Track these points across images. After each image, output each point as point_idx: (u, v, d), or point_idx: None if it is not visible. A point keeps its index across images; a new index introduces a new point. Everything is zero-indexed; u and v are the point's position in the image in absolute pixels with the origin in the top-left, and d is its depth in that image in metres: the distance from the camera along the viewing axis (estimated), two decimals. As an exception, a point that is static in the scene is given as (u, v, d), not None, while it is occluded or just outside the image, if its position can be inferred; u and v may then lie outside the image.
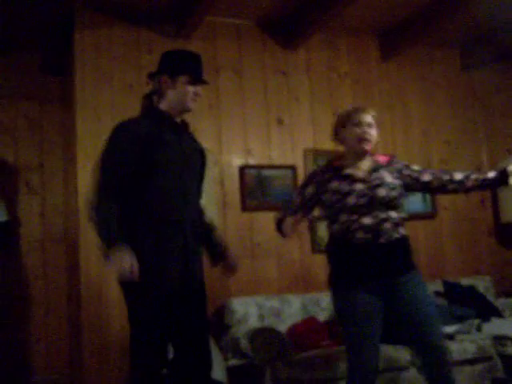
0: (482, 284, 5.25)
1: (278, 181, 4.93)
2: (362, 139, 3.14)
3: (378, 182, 3.12)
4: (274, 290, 4.78)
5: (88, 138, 4.43)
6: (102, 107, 4.52)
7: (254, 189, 4.86)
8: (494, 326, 4.55)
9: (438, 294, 5.03)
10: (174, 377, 2.83)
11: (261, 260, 4.82)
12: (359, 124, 3.14)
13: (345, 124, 3.19)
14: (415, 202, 5.40)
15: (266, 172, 4.92)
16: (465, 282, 5.19)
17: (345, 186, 3.13)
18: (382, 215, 3.08)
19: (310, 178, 3.29)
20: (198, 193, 3.02)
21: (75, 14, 4.54)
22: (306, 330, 4.30)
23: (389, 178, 3.15)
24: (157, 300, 2.70)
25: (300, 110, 5.15)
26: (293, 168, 5.01)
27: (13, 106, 4.98)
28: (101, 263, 4.26)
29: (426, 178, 3.19)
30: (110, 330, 4.30)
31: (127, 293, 2.76)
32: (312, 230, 4.96)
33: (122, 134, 2.82)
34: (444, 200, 5.55)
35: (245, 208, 4.86)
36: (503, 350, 4.33)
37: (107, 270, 4.27)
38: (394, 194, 3.10)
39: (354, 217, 3.08)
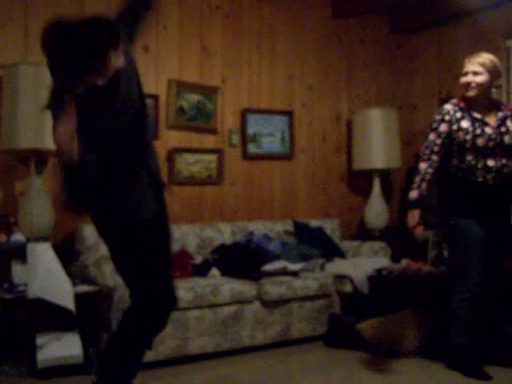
0: (330, 226, 5.50)
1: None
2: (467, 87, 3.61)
3: (504, 129, 3.59)
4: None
5: None
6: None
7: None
8: (336, 266, 4.81)
9: (288, 233, 5.22)
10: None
11: (116, 189, 4.71)
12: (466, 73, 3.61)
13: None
14: (274, 142, 5.49)
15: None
16: (314, 223, 5.41)
17: (476, 129, 3.55)
18: (503, 160, 3.54)
19: (442, 117, 3.65)
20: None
21: None
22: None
23: None
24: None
25: (167, 39, 5.00)
26: (155, 97, 4.89)
27: None
28: None
29: None
30: None
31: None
32: (170, 161, 4.93)
33: None
34: (302, 143, 5.70)
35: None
36: (341, 288, 4.62)
37: None
38: None
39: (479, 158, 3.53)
